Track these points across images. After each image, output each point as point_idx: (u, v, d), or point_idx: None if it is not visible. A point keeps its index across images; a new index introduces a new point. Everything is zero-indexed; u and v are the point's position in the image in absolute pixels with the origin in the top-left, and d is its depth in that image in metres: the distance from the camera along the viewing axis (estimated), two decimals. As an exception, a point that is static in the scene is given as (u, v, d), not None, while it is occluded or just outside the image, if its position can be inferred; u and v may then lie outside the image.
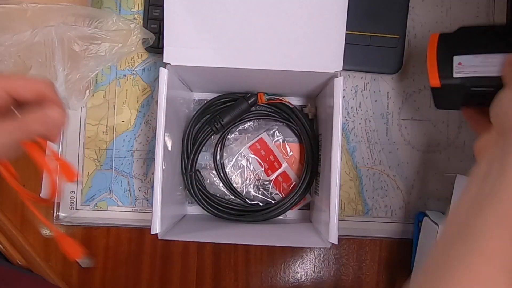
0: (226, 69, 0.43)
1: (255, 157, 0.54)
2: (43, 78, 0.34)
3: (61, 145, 0.54)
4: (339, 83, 0.41)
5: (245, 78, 0.46)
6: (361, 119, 0.55)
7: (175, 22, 0.41)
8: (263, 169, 0.54)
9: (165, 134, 0.42)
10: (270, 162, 0.54)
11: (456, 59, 0.42)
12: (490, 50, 0.41)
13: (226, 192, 0.54)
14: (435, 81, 0.43)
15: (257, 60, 0.42)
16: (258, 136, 0.54)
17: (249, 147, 0.54)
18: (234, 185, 0.54)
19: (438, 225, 0.44)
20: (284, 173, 0.54)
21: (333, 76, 0.42)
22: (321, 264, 0.54)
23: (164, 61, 0.42)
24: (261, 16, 0.41)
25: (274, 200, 0.54)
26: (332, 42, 0.41)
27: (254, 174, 0.54)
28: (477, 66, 0.41)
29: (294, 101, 0.54)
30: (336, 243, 0.41)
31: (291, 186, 0.54)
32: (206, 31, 0.41)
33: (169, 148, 0.45)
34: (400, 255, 0.54)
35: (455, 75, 0.42)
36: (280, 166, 0.54)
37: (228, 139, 0.54)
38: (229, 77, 0.46)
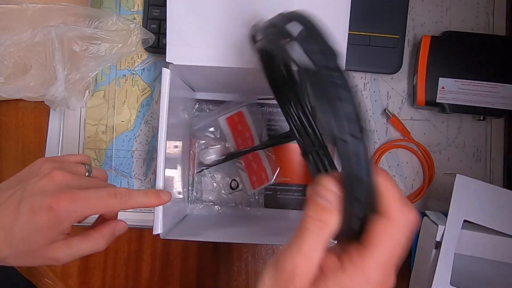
0: (229, 68, 0.42)
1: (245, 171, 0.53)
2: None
3: (61, 145, 0.54)
4: (340, 83, 0.41)
5: (248, 77, 0.46)
6: (361, 119, 0.55)
7: (178, 21, 0.41)
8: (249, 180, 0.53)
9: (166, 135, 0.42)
10: (258, 174, 0.53)
11: (441, 81, 0.50)
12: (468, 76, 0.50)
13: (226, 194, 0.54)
14: (421, 101, 0.51)
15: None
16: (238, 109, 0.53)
17: (226, 118, 0.53)
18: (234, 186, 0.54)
19: (438, 225, 0.44)
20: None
21: (334, 76, 0.42)
22: (321, 263, 0.54)
23: (167, 60, 0.41)
24: (264, 15, 0.41)
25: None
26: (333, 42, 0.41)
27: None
28: (455, 93, 0.50)
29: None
30: (336, 242, 0.41)
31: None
32: (209, 30, 0.41)
33: (170, 149, 0.45)
34: (400, 254, 0.54)
35: (438, 100, 0.50)
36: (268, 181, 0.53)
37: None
38: (232, 77, 0.46)
